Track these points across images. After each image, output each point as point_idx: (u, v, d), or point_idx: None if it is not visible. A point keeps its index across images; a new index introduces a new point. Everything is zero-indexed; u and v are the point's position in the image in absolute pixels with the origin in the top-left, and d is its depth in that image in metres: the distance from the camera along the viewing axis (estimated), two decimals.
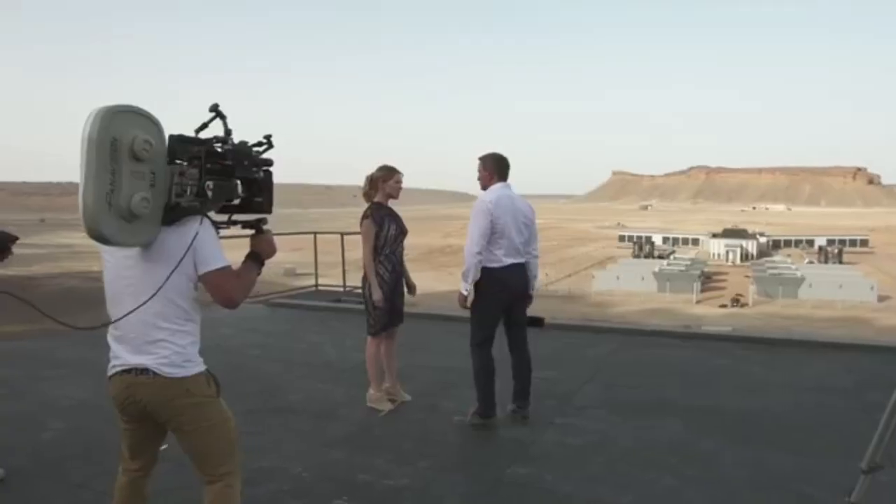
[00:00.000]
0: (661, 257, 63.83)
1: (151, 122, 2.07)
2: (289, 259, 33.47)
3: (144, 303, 2.10)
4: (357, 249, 10.62)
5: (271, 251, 2.46)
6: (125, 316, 2.12)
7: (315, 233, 11.82)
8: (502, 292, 4.37)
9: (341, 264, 11.10)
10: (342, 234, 11.11)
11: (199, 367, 2.27)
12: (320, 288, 11.45)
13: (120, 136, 1.96)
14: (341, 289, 11.23)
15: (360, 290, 12.27)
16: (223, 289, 2.23)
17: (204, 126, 2.28)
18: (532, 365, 4.55)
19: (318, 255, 11.09)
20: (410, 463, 3.84)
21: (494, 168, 4.46)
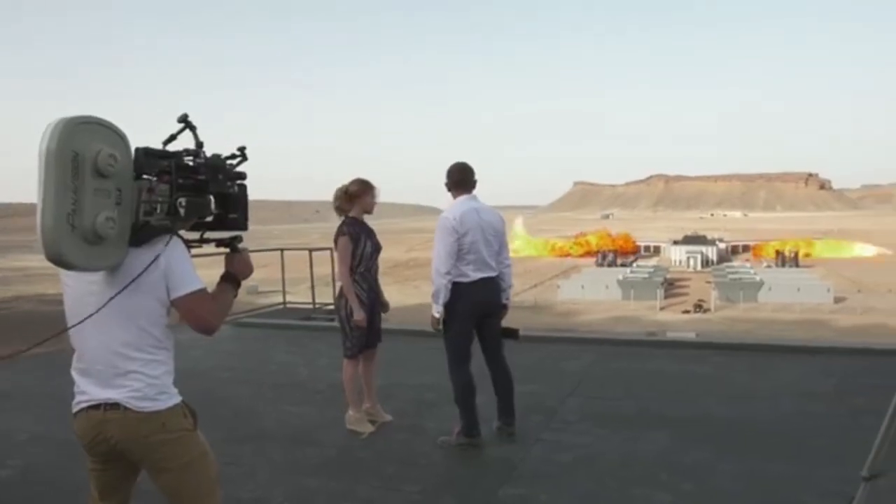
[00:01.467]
0: (623, 265, 64.59)
1: (116, 135, 1.90)
2: (252, 277, 32.87)
3: (88, 317, 1.93)
4: (324, 265, 10.49)
5: (248, 271, 2.29)
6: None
7: (282, 249, 11.55)
8: (473, 307, 4.22)
9: (310, 280, 10.85)
10: (310, 251, 10.87)
11: (174, 398, 2.08)
12: (288, 305, 11.18)
13: (82, 150, 1.78)
14: (310, 306, 10.98)
15: (330, 307, 11.99)
16: (199, 314, 2.06)
17: (172, 138, 2.11)
18: (513, 379, 4.42)
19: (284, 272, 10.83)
20: (396, 488, 3.66)
21: (457, 180, 4.30)
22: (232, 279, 2.22)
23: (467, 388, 4.23)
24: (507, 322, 4.49)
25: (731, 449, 4.11)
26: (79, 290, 2.04)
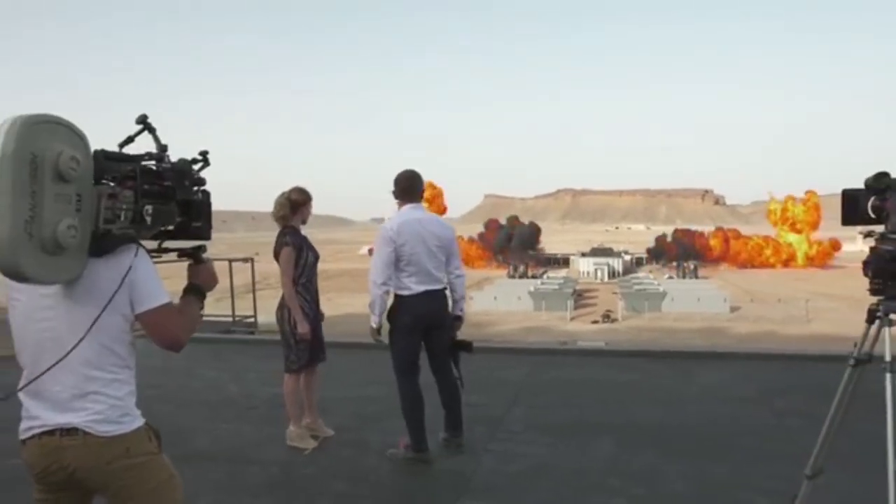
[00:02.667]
0: (534, 277, 66.05)
1: (76, 136, 1.72)
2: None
3: (74, 348, 1.75)
4: (242, 274, 10.10)
5: (213, 282, 2.15)
6: (48, 368, 1.76)
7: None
8: (416, 320, 4.14)
9: (229, 292, 10.45)
10: (230, 261, 10.48)
11: (138, 420, 1.92)
12: (206, 318, 10.72)
13: (41, 151, 1.62)
14: (229, 318, 10.58)
15: (249, 319, 11.56)
16: (167, 329, 1.93)
17: (129, 140, 1.96)
18: (460, 390, 4.38)
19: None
20: None
21: (403, 188, 4.23)
22: (197, 291, 2.08)
23: (413, 400, 4.14)
24: None
25: (674, 452, 4.24)
26: (31, 304, 1.85)
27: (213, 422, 5.13)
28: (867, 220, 2.81)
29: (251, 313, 11.47)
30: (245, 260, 11.16)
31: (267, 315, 11.94)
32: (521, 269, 71.99)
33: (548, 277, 64.68)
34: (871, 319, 2.85)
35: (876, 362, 2.96)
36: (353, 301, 33.85)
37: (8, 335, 1.94)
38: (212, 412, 5.41)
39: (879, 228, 2.83)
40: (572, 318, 46.35)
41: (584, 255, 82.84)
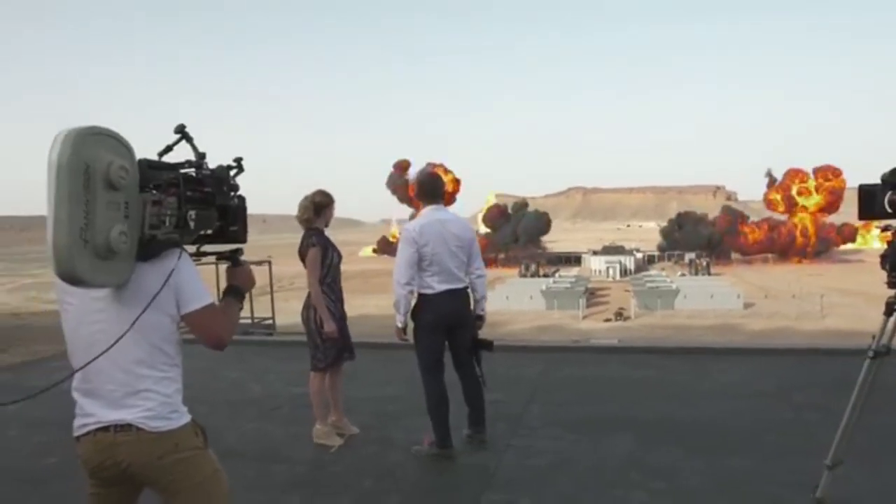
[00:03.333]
0: (546, 276, 65.91)
1: (123, 146, 1.82)
2: None
3: (117, 341, 1.84)
4: (258, 276, 10.23)
5: (251, 284, 2.27)
6: (92, 361, 1.85)
7: (216, 262, 11.23)
8: (439, 319, 4.24)
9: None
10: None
11: (185, 416, 2.02)
12: None
13: (93, 161, 1.71)
14: (248, 320, 10.73)
15: (268, 322, 11.72)
16: (211, 328, 2.03)
17: (168, 149, 2.06)
18: (483, 388, 4.46)
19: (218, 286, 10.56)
20: (378, 501, 3.64)
21: (422, 192, 4.36)
22: (236, 292, 2.18)
23: (438, 397, 4.24)
24: None
25: (693, 447, 4.30)
26: (83, 308, 1.95)
27: (238, 421, 5.24)
28: (884, 215, 2.87)
29: (269, 315, 11.62)
30: (260, 263, 11.31)
31: (284, 316, 12.11)
32: (533, 268, 71.80)
33: (559, 276, 64.50)
34: (889, 312, 2.91)
35: (894, 354, 3.03)
36: (366, 302, 33.98)
37: (32, 340, 2.04)
38: (236, 412, 5.52)
39: None
40: (585, 317, 46.18)
41: (595, 253, 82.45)
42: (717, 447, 4.31)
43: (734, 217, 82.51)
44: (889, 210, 2.83)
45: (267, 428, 5.05)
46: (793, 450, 4.18)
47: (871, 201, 2.91)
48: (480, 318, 4.46)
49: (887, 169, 2.82)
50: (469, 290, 4.37)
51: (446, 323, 4.27)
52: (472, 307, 4.41)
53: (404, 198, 79.93)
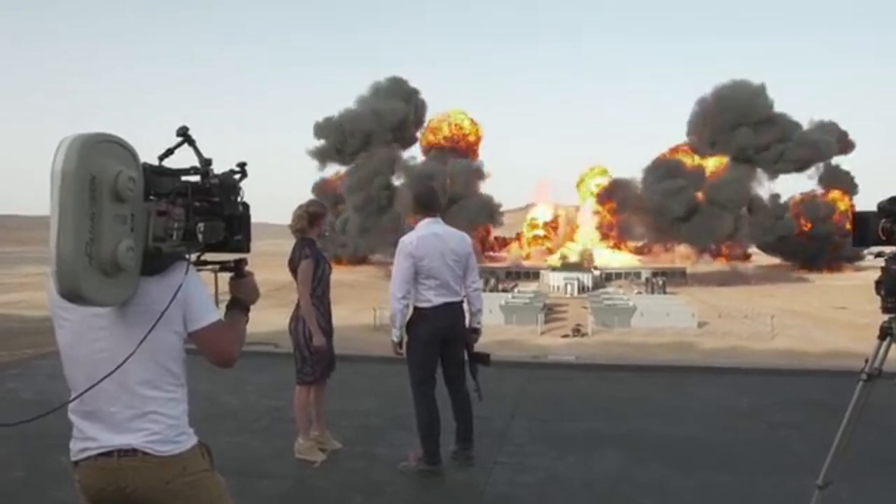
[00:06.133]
0: (505, 290, 66.19)
1: (130, 154, 1.70)
2: None
3: (125, 360, 1.71)
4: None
5: (256, 296, 2.13)
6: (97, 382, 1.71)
7: (217, 271, 10.95)
8: (435, 332, 4.22)
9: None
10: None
11: (192, 438, 1.92)
12: None
13: (99, 171, 1.59)
14: None
15: None
16: (220, 345, 1.94)
17: (169, 152, 1.91)
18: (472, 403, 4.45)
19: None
20: None
21: (418, 204, 4.33)
22: (241, 305, 2.07)
23: (428, 412, 4.20)
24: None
25: (679, 464, 4.36)
26: (82, 325, 1.83)
27: (217, 435, 5.05)
28: (877, 242, 2.97)
29: None
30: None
31: (254, 325, 11.87)
32: (492, 282, 72.14)
33: (518, 291, 64.86)
34: (883, 336, 3.00)
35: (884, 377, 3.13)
36: (344, 313, 33.64)
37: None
38: (215, 426, 5.35)
39: (889, 249, 3.00)
40: (543, 332, 46.43)
41: (554, 269, 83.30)
42: (703, 464, 4.38)
43: None
44: (882, 237, 2.93)
45: (248, 442, 4.94)
46: (775, 467, 4.28)
47: (865, 228, 3.01)
48: (476, 332, 4.46)
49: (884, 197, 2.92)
50: (465, 304, 4.36)
51: (441, 336, 4.25)
52: (467, 321, 4.40)
53: None
